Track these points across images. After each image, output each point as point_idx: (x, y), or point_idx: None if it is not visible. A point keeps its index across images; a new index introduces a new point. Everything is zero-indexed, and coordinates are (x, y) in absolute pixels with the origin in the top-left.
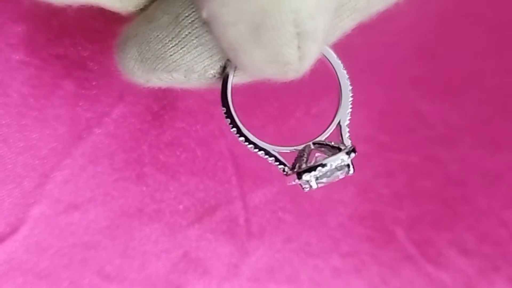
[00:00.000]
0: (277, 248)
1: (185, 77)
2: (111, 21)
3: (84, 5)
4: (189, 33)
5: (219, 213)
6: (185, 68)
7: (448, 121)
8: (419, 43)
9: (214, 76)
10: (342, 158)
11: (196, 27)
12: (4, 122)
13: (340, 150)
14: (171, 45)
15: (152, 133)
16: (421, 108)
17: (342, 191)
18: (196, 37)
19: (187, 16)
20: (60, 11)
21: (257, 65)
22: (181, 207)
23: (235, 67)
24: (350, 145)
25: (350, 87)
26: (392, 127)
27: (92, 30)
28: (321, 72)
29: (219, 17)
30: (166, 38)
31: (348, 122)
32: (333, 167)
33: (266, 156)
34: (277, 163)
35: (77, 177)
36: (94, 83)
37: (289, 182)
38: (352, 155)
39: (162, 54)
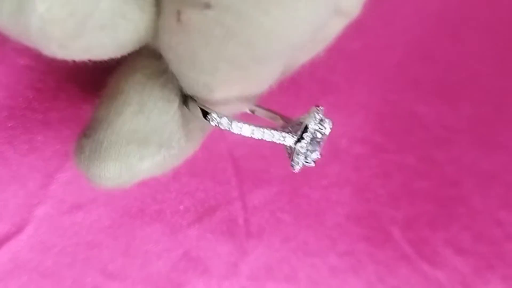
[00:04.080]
0: (276, 247)
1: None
2: None
3: None
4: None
5: (219, 213)
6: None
7: (444, 123)
8: (416, 46)
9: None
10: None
11: None
12: (9, 125)
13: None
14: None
15: None
16: (418, 110)
17: (340, 192)
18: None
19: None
20: None
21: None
22: (181, 207)
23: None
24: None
25: None
26: (389, 128)
27: None
28: (319, 76)
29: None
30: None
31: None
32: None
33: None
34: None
35: (80, 178)
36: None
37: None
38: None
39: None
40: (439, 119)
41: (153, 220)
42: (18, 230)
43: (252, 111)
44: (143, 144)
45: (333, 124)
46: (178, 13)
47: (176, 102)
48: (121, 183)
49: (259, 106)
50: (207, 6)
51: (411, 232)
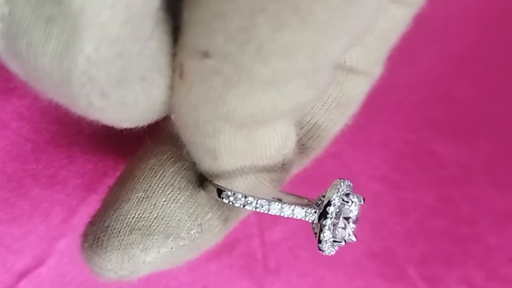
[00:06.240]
0: (293, 283)
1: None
2: None
3: None
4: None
5: (238, 249)
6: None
7: (461, 162)
8: (435, 86)
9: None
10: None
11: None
12: (33, 158)
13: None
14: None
15: None
16: (436, 149)
17: (357, 228)
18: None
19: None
20: None
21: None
22: None
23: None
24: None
25: None
26: (407, 167)
27: None
28: None
29: None
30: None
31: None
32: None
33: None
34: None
35: None
36: None
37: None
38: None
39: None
40: (457, 158)
41: None
42: (39, 263)
43: (278, 199)
44: (147, 233)
45: (363, 200)
46: (181, 66)
47: (188, 190)
48: (124, 276)
49: (283, 193)
50: (206, 55)
51: (426, 269)
